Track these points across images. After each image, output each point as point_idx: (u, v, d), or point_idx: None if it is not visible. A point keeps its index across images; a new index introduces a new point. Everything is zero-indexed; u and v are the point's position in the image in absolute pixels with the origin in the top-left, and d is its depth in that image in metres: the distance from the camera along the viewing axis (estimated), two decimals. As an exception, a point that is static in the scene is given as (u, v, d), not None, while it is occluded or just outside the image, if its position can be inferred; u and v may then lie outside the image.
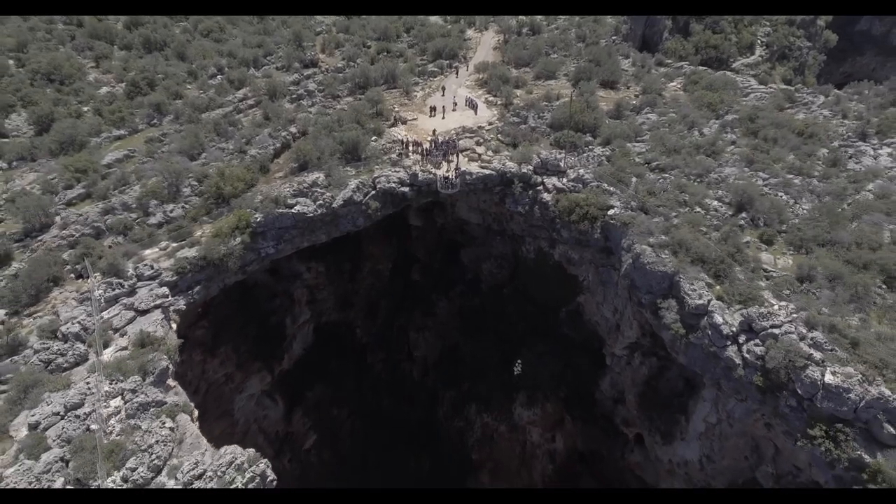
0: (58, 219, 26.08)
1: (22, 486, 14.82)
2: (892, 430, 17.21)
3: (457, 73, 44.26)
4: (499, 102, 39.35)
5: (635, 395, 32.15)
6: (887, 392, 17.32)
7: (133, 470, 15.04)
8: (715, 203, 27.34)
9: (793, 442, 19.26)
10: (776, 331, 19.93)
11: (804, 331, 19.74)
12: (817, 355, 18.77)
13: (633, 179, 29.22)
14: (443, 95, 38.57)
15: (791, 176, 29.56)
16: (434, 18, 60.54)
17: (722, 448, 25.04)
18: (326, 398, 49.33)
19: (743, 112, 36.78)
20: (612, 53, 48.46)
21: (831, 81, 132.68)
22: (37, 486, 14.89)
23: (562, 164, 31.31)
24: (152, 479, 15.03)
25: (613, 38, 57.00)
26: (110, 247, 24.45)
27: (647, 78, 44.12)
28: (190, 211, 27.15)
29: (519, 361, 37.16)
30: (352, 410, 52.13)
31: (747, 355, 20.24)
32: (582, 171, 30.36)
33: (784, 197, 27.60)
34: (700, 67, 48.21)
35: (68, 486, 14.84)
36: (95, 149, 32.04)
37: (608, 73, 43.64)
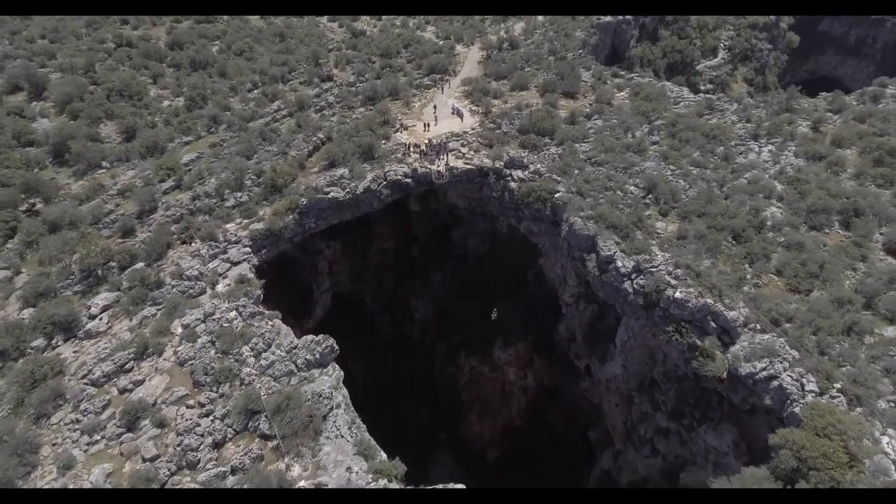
0: (161, 203, 36.43)
1: (190, 354, 25.34)
2: (714, 325, 28.00)
3: (442, 91, 54.23)
4: (480, 111, 49.67)
5: (582, 334, 43.01)
6: (711, 302, 28.09)
7: (255, 344, 25.60)
8: (632, 188, 37.97)
9: (661, 338, 30.07)
10: (653, 270, 30.70)
11: (671, 269, 30.49)
12: (674, 282, 29.54)
13: (576, 171, 39.79)
14: (434, 111, 48.62)
15: (692, 168, 40.24)
16: (428, 35, 70.73)
17: (632, 358, 35.86)
18: (343, 354, 59.82)
19: (668, 118, 47.37)
20: (575, 67, 58.79)
21: (796, 78, 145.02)
22: (196, 356, 25.39)
23: (525, 160, 41.82)
24: (267, 349, 25.62)
25: (580, 51, 67.28)
26: (204, 222, 34.80)
27: (601, 89, 54.51)
28: (253, 197, 37.47)
29: (495, 309, 47.86)
30: (363, 366, 62.72)
31: (635, 286, 31.00)
32: (539, 166, 40.95)
33: (682, 183, 38.29)
34: (644, 79, 58.30)
35: (216, 355, 25.34)
36: (173, 151, 42.30)
37: (569, 86, 54.03)
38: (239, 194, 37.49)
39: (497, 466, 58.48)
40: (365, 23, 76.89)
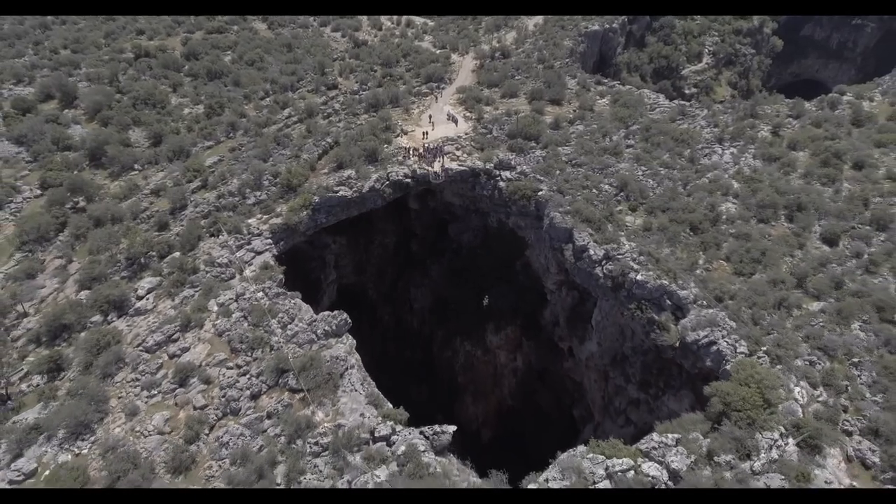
0: (190, 201, 41.24)
1: (226, 326, 30.14)
2: (669, 302, 32.94)
3: (436, 100, 59.03)
4: (473, 117, 54.59)
5: (564, 318, 47.98)
6: (667, 283, 33.03)
7: (281, 318, 30.48)
8: (606, 187, 42.90)
9: (626, 315, 35.01)
10: (620, 257, 35.64)
11: (635, 256, 35.43)
12: (637, 267, 34.49)
13: (557, 172, 44.69)
14: (431, 119, 53.43)
15: (661, 169, 45.19)
16: (426, 45, 75.64)
17: (605, 336, 40.81)
18: (348, 341, 64.66)
19: (644, 123, 52.32)
20: (562, 76, 63.77)
21: (780, 81, 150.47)
22: (232, 328, 30.20)
23: (512, 162, 46.68)
24: (291, 321, 30.46)
25: (567, 60, 72.22)
26: (229, 217, 39.60)
27: (584, 96, 59.45)
28: (271, 196, 42.26)
29: (487, 296, 52.80)
30: (366, 352, 67.13)
31: (605, 271, 35.93)
32: (525, 167, 45.86)
33: (651, 182, 43.25)
34: (624, 87, 63.18)
35: (249, 327, 30.14)
36: (197, 155, 47.09)
37: (555, 93, 58.94)
38: (258, 193, 42.28)
39: (492, 446, 63.30)
40: (366, 32, 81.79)
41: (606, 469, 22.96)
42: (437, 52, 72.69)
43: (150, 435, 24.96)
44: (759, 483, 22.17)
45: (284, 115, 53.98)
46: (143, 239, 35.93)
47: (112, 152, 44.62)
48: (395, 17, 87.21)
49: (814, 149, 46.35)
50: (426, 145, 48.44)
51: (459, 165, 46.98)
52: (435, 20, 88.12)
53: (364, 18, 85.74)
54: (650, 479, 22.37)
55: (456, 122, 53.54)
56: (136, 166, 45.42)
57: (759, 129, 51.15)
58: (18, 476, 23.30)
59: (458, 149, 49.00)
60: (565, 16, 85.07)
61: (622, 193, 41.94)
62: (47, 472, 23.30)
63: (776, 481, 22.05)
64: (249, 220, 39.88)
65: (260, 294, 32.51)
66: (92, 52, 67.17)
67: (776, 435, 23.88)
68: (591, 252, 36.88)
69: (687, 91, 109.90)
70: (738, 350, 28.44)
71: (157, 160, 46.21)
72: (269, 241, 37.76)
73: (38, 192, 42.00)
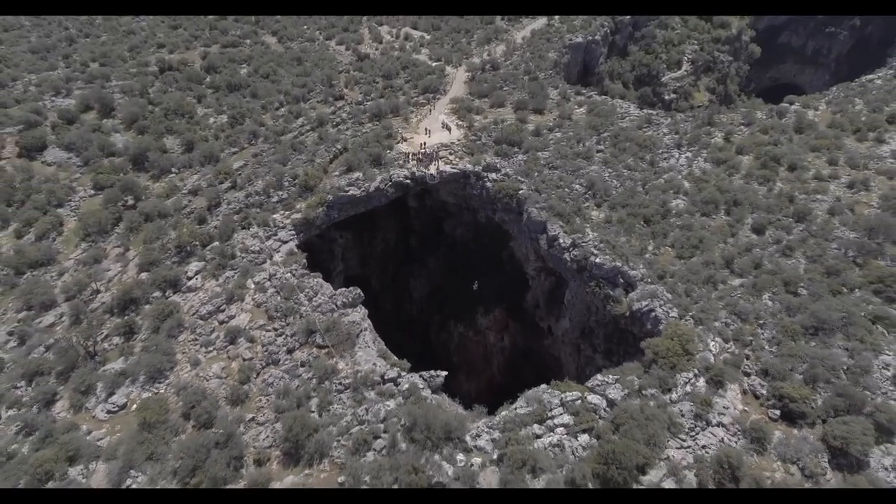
0: (223, 200, 48.54)
1: (263, 299, 37.50)
2: (621, 280, 40.43)
3: (430, 111, 66.41)
4: (464, 125, 62.01)
5: (544, 300, 55.48)
6: (620, 264, 40.53)
7: (308, 292, 37.80)
8: (577, 186, 50.37)
9: (589, 293, 42.53)
10: (584, 244, 43.12)
11: (596, 244, 42.91)
12: (596, 252, 41.99)
13: (536, 174, 52.15)
14: (427, 129, 60.74)
15: (624, 171, 52.73)
16: (422, 58, 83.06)
17: (574, 312, 48.32)
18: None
19: (613, 131, 59.86)
20: (545, 87, 71.24)
21: (760, 85, 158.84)
22: (268, 301, 37.53)
23: (498, 165, 54.09)
24: (315, 295, 37.80)
25: (550, 71, 79.72)
26: (257, 213, 46.92)
27: (564, 106, 66.93)
28: (291, 195, 49.56)
29: (476, 282, 60.27)
30: (370, 337, 74.58)
31: (572, 256, 43.39)
32: (509, 170, 53.31)
33: (615, 182, 50.77)
34: (600, 97, 70.73)
35: (282, 300, 37.47)
36: (225, 160, 54.37)
37: (538, 103, 66.40)
38: (280, 192, 49.58)
39: (482, 419, 70.56)
40: (368, 45, 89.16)
41: (560, 400, 30.45)
42: (433, 64, 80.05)
43: (211, 379, 32.29)
44: (675, 409, 29.69)
45: (298, 124, 61.29)
46: (189, 231, 43.23)
47: (153, 158, 51.88)
48: (394, 31, 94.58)
49: (757, 153, 53.93)
50: (424, 150, 55.80)
51: (452, 168, 54.34)
52: (431, 33, 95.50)
53: (366, 32, 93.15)
54: (592, 405, 29.88)
55: (449, 129, 60.89)
56: (173, 169, 52.69)
57: (714, 135, 58.80)
58: (114, 408, 30.66)
59: (451, 153, 56.36)
60: (558, 16, 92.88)
61: (590, 192, 49.44)
62: (136, 404, 30.62)
63: (686, 406, 29.57)
64: (274, 216, 47.19)
65: (288, 274, 39.87)
66: (119, 66, 74.26)
67: (691, 375, 31.40)
68: (561, 241, 44.36)
69: (667, 97, 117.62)
70: (670, 315, 35.94)
71: (190, 164, 53.48)
72: (292, 232, 45.11)
73: (92, 191, 49.25)
